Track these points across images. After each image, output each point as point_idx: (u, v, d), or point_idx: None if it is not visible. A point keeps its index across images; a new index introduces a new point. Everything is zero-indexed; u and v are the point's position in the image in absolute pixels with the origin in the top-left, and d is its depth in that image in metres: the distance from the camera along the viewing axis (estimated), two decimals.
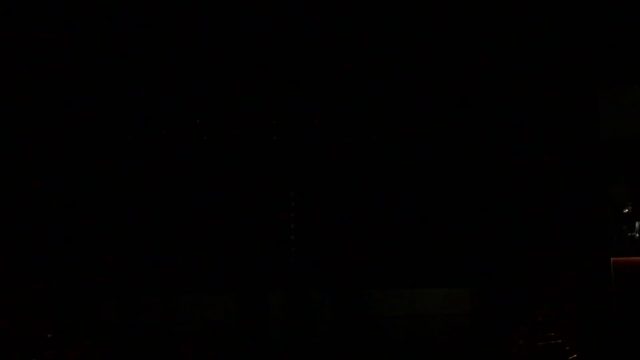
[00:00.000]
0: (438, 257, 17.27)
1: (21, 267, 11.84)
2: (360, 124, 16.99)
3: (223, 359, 11.19)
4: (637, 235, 12.55)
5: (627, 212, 12.75)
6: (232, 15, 12.84)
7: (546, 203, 13.27)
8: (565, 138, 12.97)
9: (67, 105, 13.44)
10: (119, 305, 15.06)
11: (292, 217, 17.81)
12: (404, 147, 17.26)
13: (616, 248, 12.48)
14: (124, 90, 13.84)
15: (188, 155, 16.96)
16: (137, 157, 16.49)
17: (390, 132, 16.95)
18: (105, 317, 15.48)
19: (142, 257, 16.15)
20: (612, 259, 12.35)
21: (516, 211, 14.62)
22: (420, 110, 15.28)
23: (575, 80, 12.92)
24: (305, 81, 13.84)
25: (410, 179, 17.68)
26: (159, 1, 12.69)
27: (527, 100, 13.89)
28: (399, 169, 17.93)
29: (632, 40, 12.35)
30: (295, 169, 17.94)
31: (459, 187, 17.06)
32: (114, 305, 15.63)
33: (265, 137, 17.37)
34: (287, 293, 16.64)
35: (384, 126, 16.67)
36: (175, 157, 16.89)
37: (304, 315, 16.45)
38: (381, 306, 16.53)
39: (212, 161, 16.94)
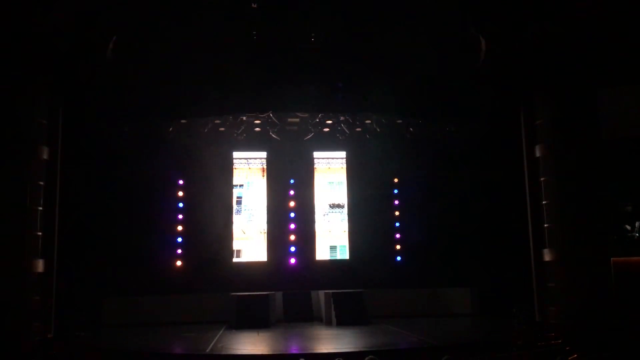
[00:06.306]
0: (438, 259, 17.35)
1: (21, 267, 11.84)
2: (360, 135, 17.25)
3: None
4: (637, 235, 12.55)
5: (627, 212, 12.76)
6: None
7: (546, 203, 13.27)
8: (566, 138, 12.97)
9: None
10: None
11: (293, 218, 17.99)
12: (405, 151, 17.39)
13: (616, 248, 12.48)
14: None
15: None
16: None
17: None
18: (105, 318, 15.63)
19: (142, 258, 16.31)
20: (612, 259, 12.36)
21: (516, 211, 14.67)
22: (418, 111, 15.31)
23: (575, 80, 12.92)
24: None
25: (410, 181, 17.79)
26: None
27: (527, 101, 13.91)
28: (400, 170, 18.06)
29: (632, 41, 12.35)
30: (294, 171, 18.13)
31: (457, 185, 17.16)
32: (114, 305, 15.75)
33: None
34: (288, 293, 16.74)
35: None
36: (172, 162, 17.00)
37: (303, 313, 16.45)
38: (382, 306, 16.68)
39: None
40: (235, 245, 17.24)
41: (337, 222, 17.83)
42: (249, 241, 17.41)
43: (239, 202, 17.57)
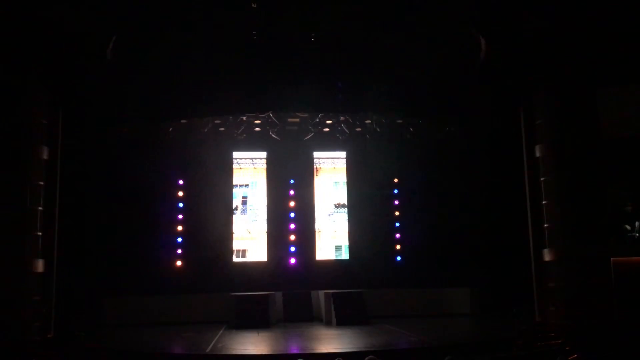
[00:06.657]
0: (438, 259, 17.34)
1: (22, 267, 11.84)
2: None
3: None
4: (637, 235, 12.54)
5: (627, 212, 12.75)
6: None
7: (546, 203, 13.27)
8: (566, 138, 12.96)
9: None
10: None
11: (293, 218, 17.97)
12: (405, 151, 17.37)
13: (616, 248, 12.46)
14: None
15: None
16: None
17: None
18: (105, 318, 15.62)
19: (144, 258, 16.30)
20: (612, 259, 12.35)
21: (515, 211, 14.66)
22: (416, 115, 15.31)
23: (575, 79, 12.91)
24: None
25: (410, 181, 17.78)
26: None
27: (527, 101, 13.90)
28: (402, 172, 18.05)
29: (632, 41, 12.35)
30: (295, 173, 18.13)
31: (457, 185, 17.14)
32: (114, 305, 15.75)
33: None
34: (288, 293, 16.72)
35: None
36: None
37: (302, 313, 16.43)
38: (382, 306, 16.67)
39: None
40: (241, 245, 17.24)
41: (342, 222, 17.81)
42: (254, 241, 17.40)
43: (244, 202, 17.57)
